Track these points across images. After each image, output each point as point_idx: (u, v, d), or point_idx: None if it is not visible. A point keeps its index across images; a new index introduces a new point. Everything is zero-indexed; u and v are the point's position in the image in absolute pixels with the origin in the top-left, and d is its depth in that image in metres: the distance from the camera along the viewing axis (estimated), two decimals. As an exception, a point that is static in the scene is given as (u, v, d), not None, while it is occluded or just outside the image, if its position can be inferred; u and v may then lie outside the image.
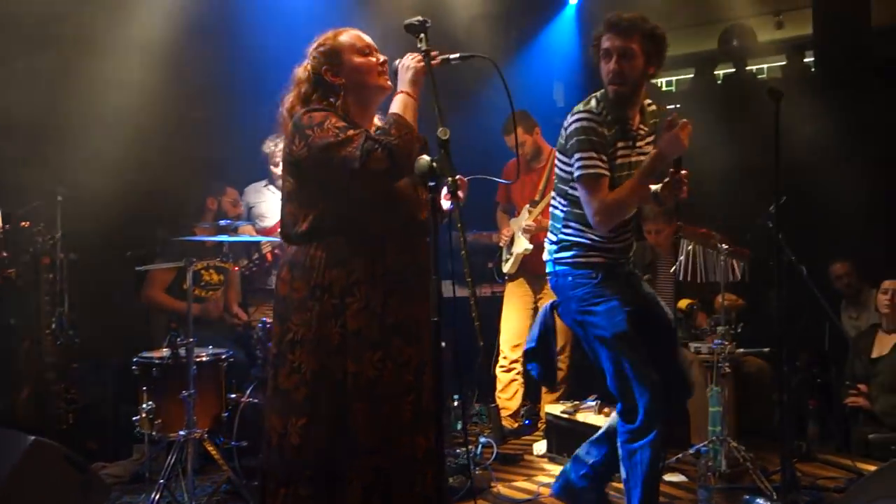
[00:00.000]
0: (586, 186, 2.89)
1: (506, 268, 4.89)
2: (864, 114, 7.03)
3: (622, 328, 2.92)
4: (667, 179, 2.97)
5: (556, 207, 3.12)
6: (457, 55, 2.37)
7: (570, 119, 2.96)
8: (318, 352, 2.27)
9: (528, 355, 3.28)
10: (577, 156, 2.89)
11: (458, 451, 3.92)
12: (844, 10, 7.46)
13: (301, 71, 2.45)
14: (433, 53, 2.32)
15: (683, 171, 2.96)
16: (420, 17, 2.25)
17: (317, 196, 2.33)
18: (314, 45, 2.45)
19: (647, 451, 2.94)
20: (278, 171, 5.06)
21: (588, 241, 3.02)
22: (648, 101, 3.16)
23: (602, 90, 2.98)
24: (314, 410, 2.25)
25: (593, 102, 2.97)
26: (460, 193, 2.23)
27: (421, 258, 2.34)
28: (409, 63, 2.34)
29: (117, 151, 4.68)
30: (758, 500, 3.54)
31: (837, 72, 7.35)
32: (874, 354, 4.55)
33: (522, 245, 4.73)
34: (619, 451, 3.02)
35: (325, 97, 2.39)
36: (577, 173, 2.90)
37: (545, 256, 3.16)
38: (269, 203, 5.11)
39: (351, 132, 2.24)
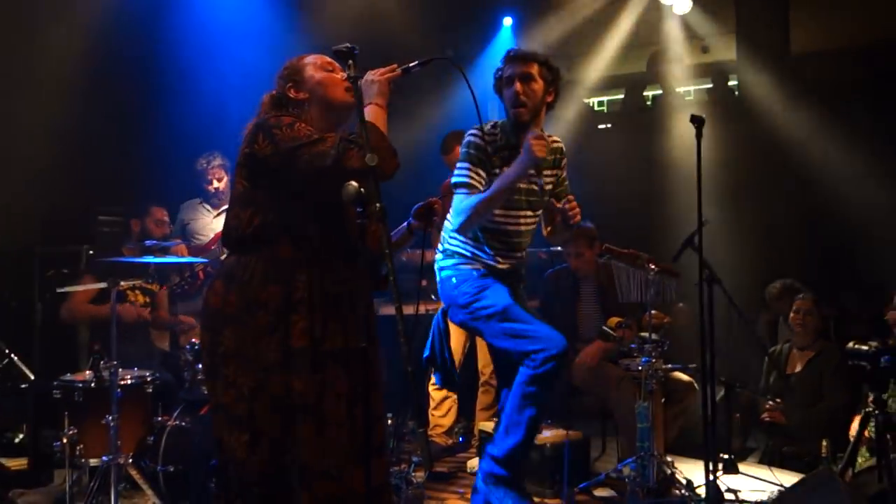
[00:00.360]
0: (456, 192, 3.16)
1: None
2: (784, 136, 7.33)
3: (511, 300, 3.15)
4: (563, 206, 3.15)
5: (448, 220, 3.32)
6: (415, 63, 2.41)
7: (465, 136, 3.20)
8: (255, 368, 2.23)
9: (426, 364, 3.35)
10: (457, 166, 3.17)
11: (391, 469, 3.92)
12: (765, 37, 7.79)
13: (266, 97, 2.47)
14: (392, 66, 2.40)
15: (570, 197, 3.18)
16: (348, 44, 2.26)
17: (267, 200, 2.31)
18: (279, 71, 2.48)
19: (544, 393, 3.13)
20: (212, 188, 5.05)
21: (470, 254, 3.24)
22: (555, 137, 3.39)
23: (503, 119, 3.24)
24: (255, 426, 2.22)
25: (489, 126, 3.21)
26: (435, 217, 2.55)
27: (359, 283, 2.34)
28: (372, 77, 2.37)
29: (28, 169, 4.59)
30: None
31: (759, 95, 7.67)
32: (788, 371, 4.72)
33: None
34: (518, 392, 3.16)
35: (290, 114, 2.39)
36: (452, 181, 3.17)
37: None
38: (203, 220, 5.05)
39: (325, 134, 2.26)
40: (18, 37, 4.90)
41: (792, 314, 4.79)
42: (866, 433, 3.56)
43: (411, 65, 2.40)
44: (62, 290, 3.97)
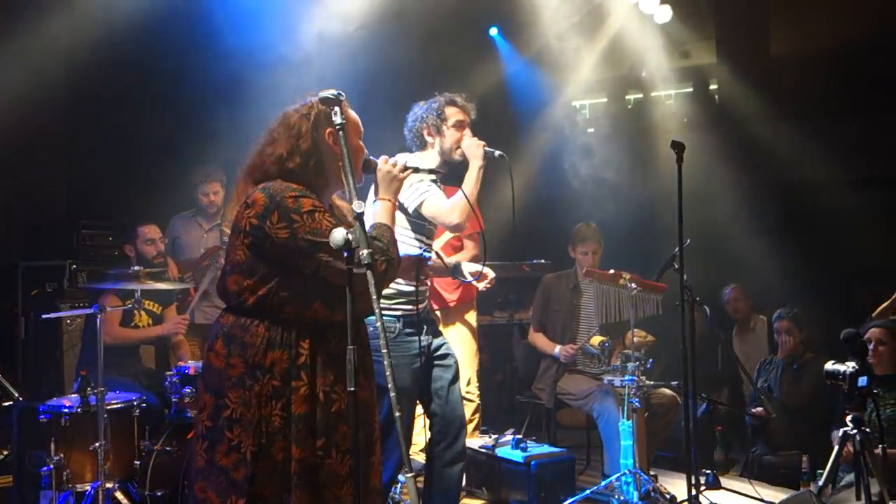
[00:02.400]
0: (429, 195, 3.21)
1: None
2: (762, 140, 7.41)
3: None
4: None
5: None
6: (427, 170, 2.93)
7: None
8: (258, 433, 2.21)
9: None
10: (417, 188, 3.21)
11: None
12: (745, 42, 7.86)
13: (299, 120, 2.35)
14: (404, 164, 2.50)
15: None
16: (335, 91, 2.25)
17: (273, 275, 2.25)
18: (299, 106, 2.38)
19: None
20: (208, 200, 5.01)
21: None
22: None
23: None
24: (255, 491, 2.20)
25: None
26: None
27: (362, 338, 2.34)
28: (394, 172, 2.45)
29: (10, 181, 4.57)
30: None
31: (739, 99, 7.74)
32: (769, 384, 4.79)
33: None
34: None
35: (307, 161, 2.33)
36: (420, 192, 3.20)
37: None
38: (195, 234, 5.04)
39: None
40: (0, 50, 4.85)
41: (776, 335, 4.88)
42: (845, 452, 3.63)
43: (423, 169, 2.73)
44: (47, 316, 3.95)
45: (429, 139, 3.31)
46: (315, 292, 2.27)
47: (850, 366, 3.58)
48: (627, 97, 8.93)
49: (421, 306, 3.24)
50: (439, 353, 3.33)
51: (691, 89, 8.80)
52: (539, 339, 4.76)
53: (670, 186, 3.62)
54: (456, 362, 3.38)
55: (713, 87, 8.60)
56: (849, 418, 3.53)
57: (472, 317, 4.77)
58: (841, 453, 3.65)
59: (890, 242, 6.80)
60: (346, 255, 2.12)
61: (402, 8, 5.77)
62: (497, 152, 3.26)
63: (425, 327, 3.26)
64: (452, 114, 3.29)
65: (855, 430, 3.51)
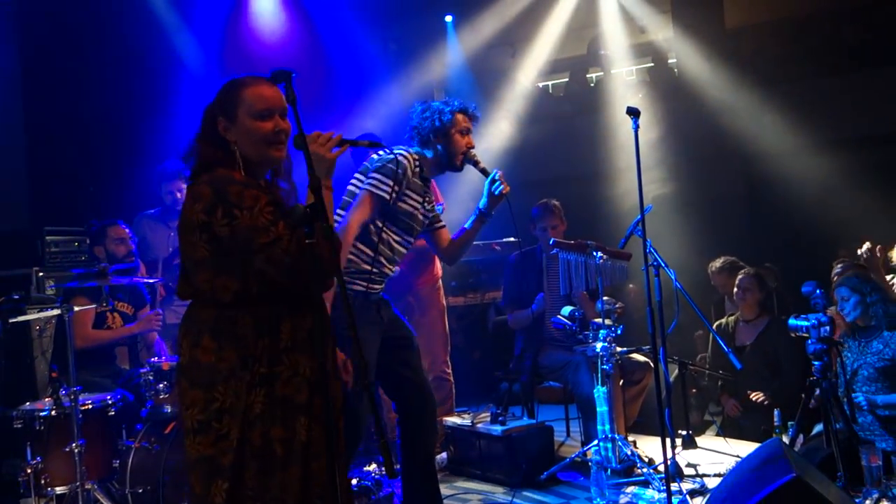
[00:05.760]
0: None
1: None
2: (723, 112, 7.50)
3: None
4: (493, 180, 3.34)
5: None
6: (362, 138, 2.68)
7: (389, 152, 3.28)
8: (243, 420, 2.22)
9: None
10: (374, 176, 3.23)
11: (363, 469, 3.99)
12: (700, 14, 7.95)
13: (211, 108, 2.35)
14: (335, 138, 2.47)
15: (494, 173, 3.36)
16: (285, 69, 2.23)
17: (240, 267, 2.23)
18: (220, 89, 2.36)
19: None
20: (172, 198, 4.98)
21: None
22: None
23: (417, 149, 3.37)
24: (239, 476, 2.21)
25: (414, 152, 3.33)
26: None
27: (310, 321, 2.31)
28: (321, 153, 2.39)
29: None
30: (646, 492, 3.76)
31: (697, 71, 7.83)
32: (738, 344, 4.88)
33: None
34: None
35: (220, 149, 2.31)
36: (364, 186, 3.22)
37: None
38: (161, 234, 5.01)
39: (281, 229, 2.17)
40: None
41: (735, 289, 4.95)
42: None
43: (357, 138, 2.56)
44: (14, 320, 3.92)
45: (433, 139, 3.35)
46: (285, 277, 2.25)
47: (811, 318, 3.67)
48: (588, 76, 9.00)
49: (376, 286, 3.27)
50: (398, 332, 3.37)
51: (651, 64, 8.88)
52: (517, 314, 4.80)
53: (633, 161, 3.65)
54: (415, 340, 3.44)
55: (672, 60, 8.68)
56: (814, 368, 3.63)
57: (439, 297, 4.79)
58: (809, 403, 3.74)
59: (852, 203, 6.93)
60: (306, 230, 2.13)
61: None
62: (481, 165, 3.37)
63: (381, 307, 3.32)
64: (461, 120, 3.36)
65: (821, 379, 3.60)
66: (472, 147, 3.40)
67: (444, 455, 4.56)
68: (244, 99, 2.32)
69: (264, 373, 2.24)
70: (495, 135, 7.54)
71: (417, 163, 3.31)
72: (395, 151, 3.28)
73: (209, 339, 2.25)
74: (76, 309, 3.79)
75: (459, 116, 3.36)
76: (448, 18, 7.47)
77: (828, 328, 3.57)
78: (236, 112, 2.32)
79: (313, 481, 2.26)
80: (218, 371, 2.23)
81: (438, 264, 4.76)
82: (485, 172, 3.38)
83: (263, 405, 2.23)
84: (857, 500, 3.30)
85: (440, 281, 4.81)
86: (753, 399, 4.70)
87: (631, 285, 5.81)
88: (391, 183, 3.18)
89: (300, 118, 2.25)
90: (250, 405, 2.23)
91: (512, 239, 5.56)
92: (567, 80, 9.21)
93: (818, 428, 3.88)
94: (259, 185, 2.31)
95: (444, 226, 3.55)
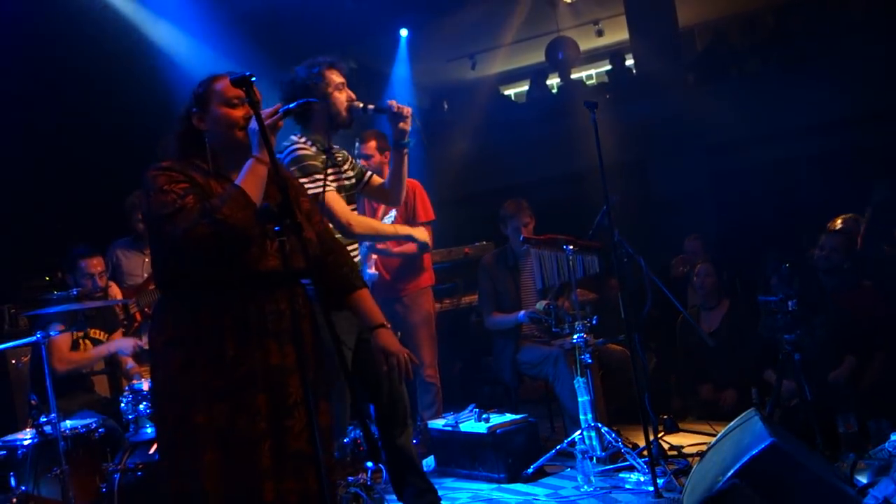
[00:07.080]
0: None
1: None
2: (681, 108, 7.67)
3: None
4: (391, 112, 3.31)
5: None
6: (295, 104, 2.47)
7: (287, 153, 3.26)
8: (174, 403, 2.29)
9: None
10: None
11: (350, 478, 3.98)
12: (652, 14, 8.13)
13: (183, 108, 2.46)
14: (268, 111, 2.39)
15: (392, 102, 3.31)
16: (245, 72, 2.26)
17: (165, 250, 2.36)
18: (195, 87, 2.47)
19: None
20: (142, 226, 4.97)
21: None
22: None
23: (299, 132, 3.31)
24: (170, 459, 2.31)
25: (295, 137, 3.29)
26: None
27: (281, 306, 2.34)
28: (252, 125, 2.37)
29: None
30: (631, 476, 3.82)
31: (654, 71, 8.00)
32: (706, 330, 4.97)
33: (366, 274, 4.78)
34: None
35: (192, 142, 2.42)
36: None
37: None
38: (135, 260, 4.99)
39: (188, 201, 2.25)
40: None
41: (695, 277, 5.07)
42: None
43: (290, 106, 2.43)
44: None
45: (314, 108, 3.20)
46: (196, 264, 2.32)
47: (780, 294, 3.78)
48: (549, 82, 9.14)
49: None
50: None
51: (609, 67, 9.06)
52: (498, 317, 4.81)
53: (596, 162, 3.74)
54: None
55: (629, 62, 8.86)
56: (785, 341, 3.72)
57: (428, 302, 4.82)
58: (783, 377, 3.83)
59: (812, 187, 7.11)
60: (276, 229, 2.16)
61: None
62: (370, 106, 3.26)
63: None
64: (333, 78, 3.29)
65: (792, 351, 3.69)
66: (354, 99, 3.31)
67: (431, 458, 4.58)
68: (215, 90, 2.44)
69: (185, 356, 2.30)
70: (460, 145, 7.63)
71: (310, 143, 3.29)
72: (290, 149, 3.26)
73: (156, 322, 2.41)
74: (52, 334, 3.78)
75: (329, 74, 3.29)
76: (403, 32, 7.54)
77: (794, 302, 3.67)
78: (209, 103, 2.43)
79: (232, 471, 2.26)
80: (154, 352, 2.38)
81: (430, 271, 4.81)
82: (380, 110, 3.30)
83: (190, 389, 2.28)
84: (835, 465, 3.38)
85: (430, 288, 4.84)
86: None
87: (613, 280, 5.89)
88: (318, 177, 3.22)
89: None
90: (182, 387, 2.29)
91: (484, 242, 5.62)
92: (527, 88, 9.35)
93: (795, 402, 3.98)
94: (184, 170, 2.35)
95: (372, 175, 3.56)
